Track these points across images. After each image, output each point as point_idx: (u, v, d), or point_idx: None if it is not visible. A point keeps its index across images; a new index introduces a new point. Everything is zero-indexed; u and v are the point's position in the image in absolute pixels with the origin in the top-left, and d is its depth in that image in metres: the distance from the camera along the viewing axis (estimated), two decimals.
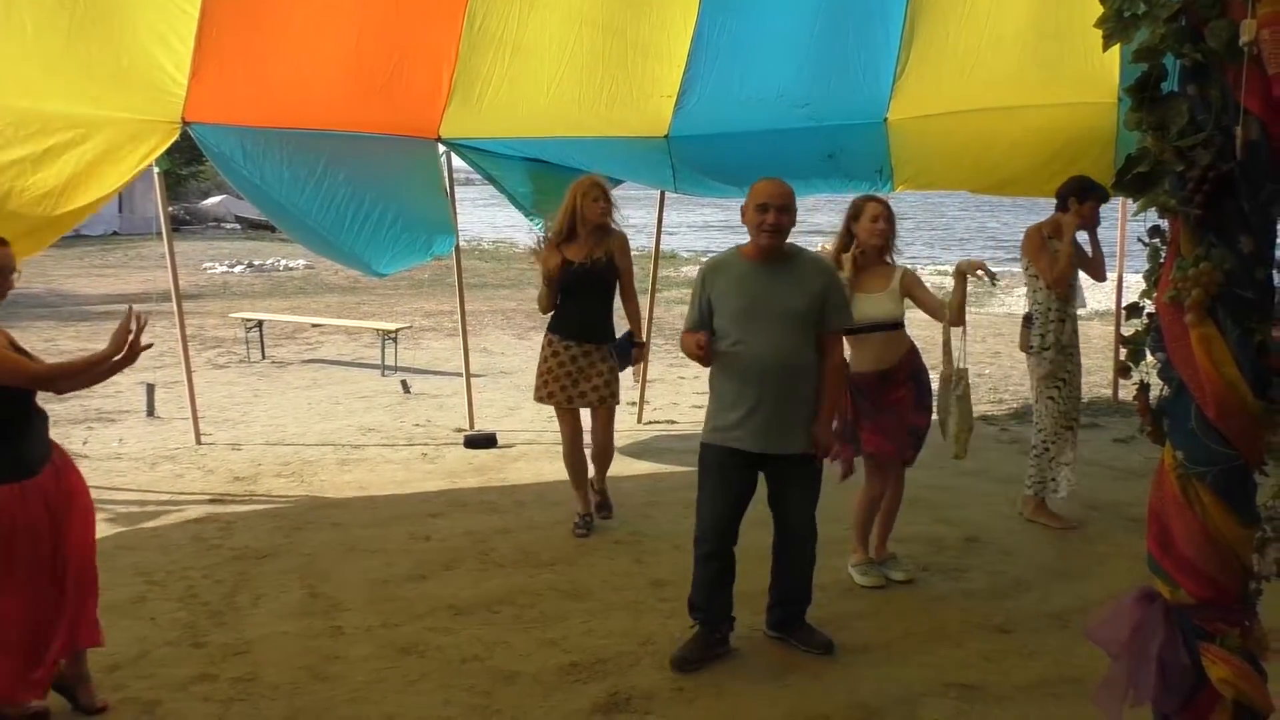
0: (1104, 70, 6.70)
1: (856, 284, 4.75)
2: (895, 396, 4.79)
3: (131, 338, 3.50)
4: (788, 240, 4.10)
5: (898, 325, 4.80)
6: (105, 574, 4.96)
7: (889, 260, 4.85)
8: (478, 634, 4.38)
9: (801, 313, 4.00)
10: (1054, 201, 5.73)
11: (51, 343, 11.94)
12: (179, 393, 8.45)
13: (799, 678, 4.01)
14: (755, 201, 4.00)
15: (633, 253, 5.72)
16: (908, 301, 4.84)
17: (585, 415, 5.66)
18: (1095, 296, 14.70)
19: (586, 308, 5.51)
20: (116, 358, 3.51)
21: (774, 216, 3.96)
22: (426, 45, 6.62)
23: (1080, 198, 5.56)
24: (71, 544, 3.63)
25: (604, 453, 5.73)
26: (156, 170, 6.73)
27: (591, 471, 5.77)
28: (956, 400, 4.79)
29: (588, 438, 5.70)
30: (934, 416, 4.90)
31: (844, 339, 4.47)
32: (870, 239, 4.77)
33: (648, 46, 6.98)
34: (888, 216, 4.80)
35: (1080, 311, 5.78)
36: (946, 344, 4.83)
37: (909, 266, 5.01)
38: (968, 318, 4.84)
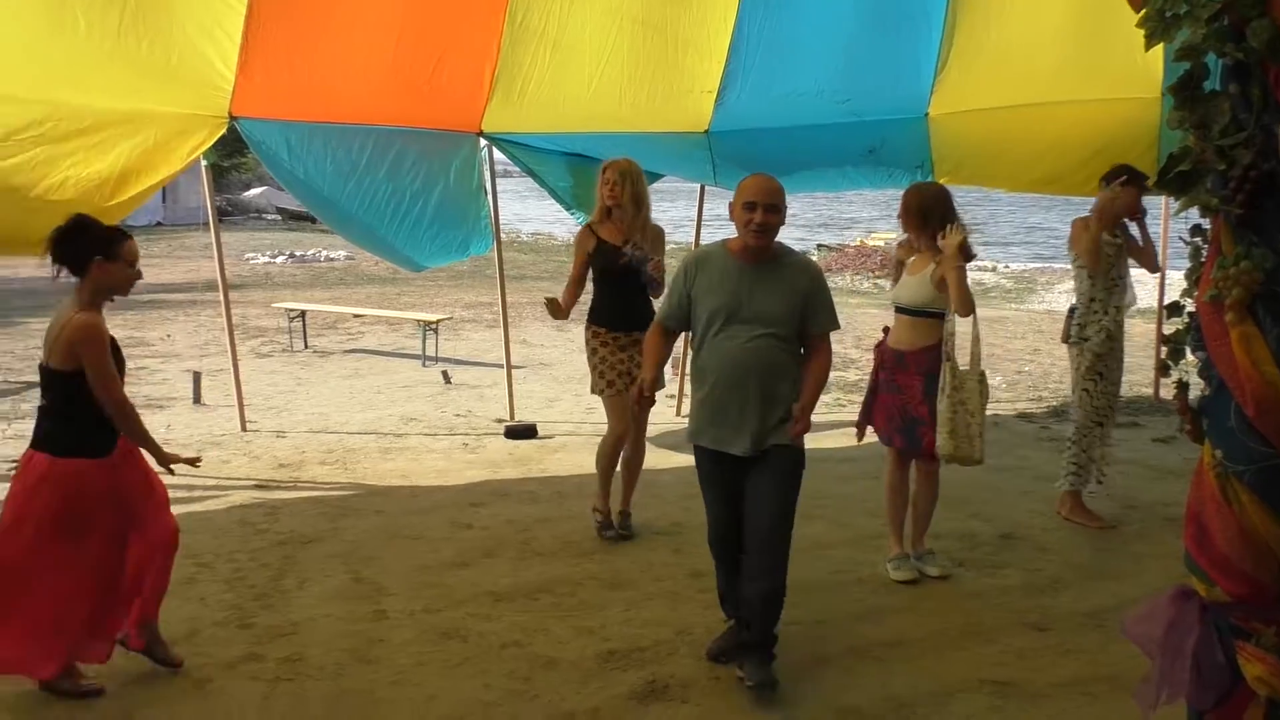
0: (1147, 66, 6.64)
1: (908, 266, 4.93)
2: (907, 382, 4.84)
3: (173, 466, 3.88)
4: (777, 240, 3.96)
5: (926, 313, 4.82)
6: None
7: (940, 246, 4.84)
8: (518, 620, 4.45)
9: (780, 317, 3.87)
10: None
11: None
12: (224, 380, 8.62)
13: (833, 670, 4.05)
14: (743, 199, 3.85)
15: (673, 245, 5.74)
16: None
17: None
18: (1138, 294, 14.56)
19: (626, 296, 5.43)
20: (156, 457, 3.85)
21: (761, 216, 3.81)
22: (468, 41, 6.71)
23: (1122, 184, 5.54)
24: (150, 527, 3.84)
25: (637, 449, 5.56)
26: (204, 163, 6.87)
27: (622, 486, 5.59)
28: (945, 400, 4.72)
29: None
30: (940, 414, 4.88)
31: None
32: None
33: (688, 42, 7.02)
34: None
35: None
36: (951, 336, 4.80)
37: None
38: (988, 311, 4.82)
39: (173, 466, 3.88)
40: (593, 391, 5.58)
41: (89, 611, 3.75)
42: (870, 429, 5.04)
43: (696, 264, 4.02)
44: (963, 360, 4.79)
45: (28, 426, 7.61)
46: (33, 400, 8.50)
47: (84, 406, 3.67)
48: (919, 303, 4.82)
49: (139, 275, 3.82)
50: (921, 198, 4.92)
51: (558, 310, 5.48)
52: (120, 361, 3.79)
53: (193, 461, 3.99)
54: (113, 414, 3.70)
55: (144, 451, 3.87)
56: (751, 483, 3.89)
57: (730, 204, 3.95)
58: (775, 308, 3.87)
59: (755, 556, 3.85)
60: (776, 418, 3.86)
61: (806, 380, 3.93)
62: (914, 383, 4.83)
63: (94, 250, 3.67)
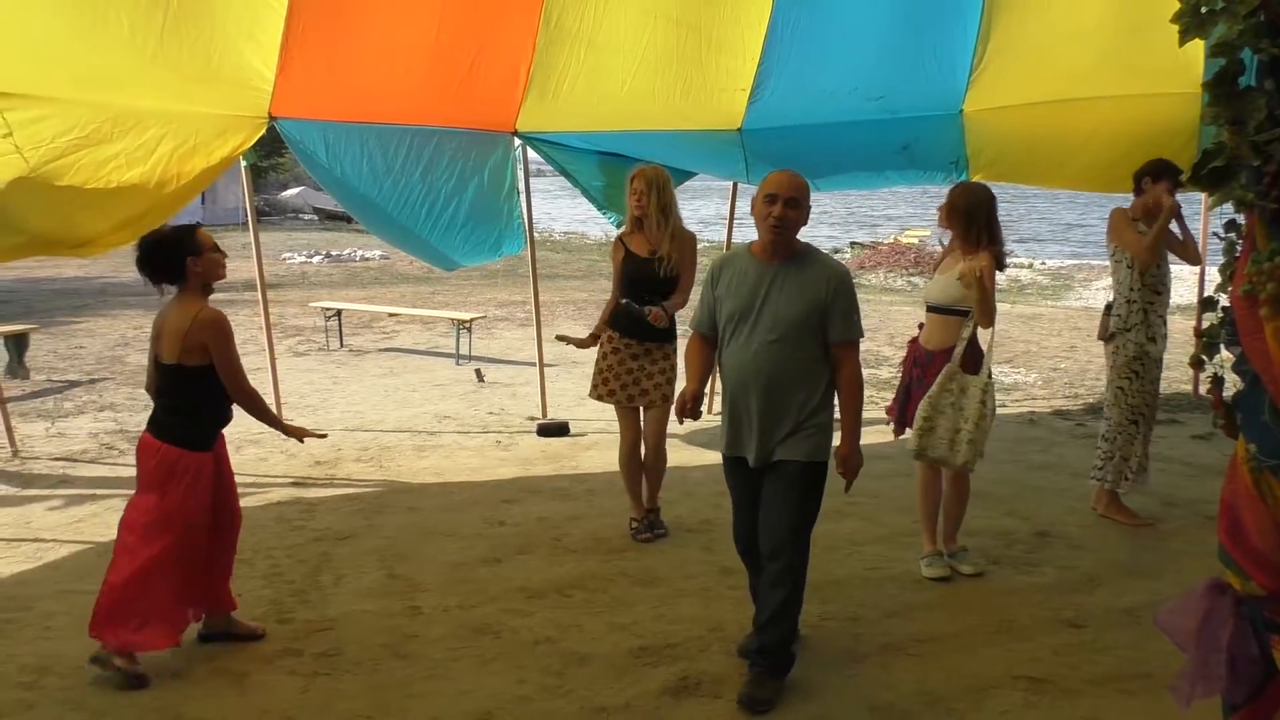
0: (1188, 61, 6.56)
1: (941, 265, 4.98)
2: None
3: (303, 438, 4.36)
4: (805, 241, 3.88)
5: (956, 311, 4.81)
6: None
7: (978, 246, 4.82)
8: (550, 616, 4.49)
9: (798, 319, 3.72)
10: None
11: (142, 330, 12.36)
12: (261, 379, 8.67)
13: (867, 666, 4.05)
14: (764, 192, 3.75)
15: (705, 244, 5.75)
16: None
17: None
18: (1177, 290, 14.40)
19: (646, 304, 5.33)
20: (286, 434, 4.34)
21: (780, 209, 3.70)
22: (504, 41, 6.76)
23: (1155, 178, 5.51)
24: (227, 520, 4.22)
25: (658, 457, 5.52)
26: (244, 164, 6.96)
27: (646, 488, 5.57)
28: (949, 406, 4.73)
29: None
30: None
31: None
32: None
33: (721, 41, 7.03)
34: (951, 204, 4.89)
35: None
36: (960, 341, 4.79)
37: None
38: (1024, 309, 4.83)
39: (302, 434, 4.33)
40: (591, 395, 5.55)
41: (188, 591, 4.08)
42: (907, 426, 5.03)
43: (722, 266, 3.94)
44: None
45: (71, 425, 7.81)
46: (75, 399, 8.68)
47: (206, 401, 3.99)
48: (947, 300, 4.82)
49: (224, 254, 4.08)
50: (970, 199, 4.87)
51: (579, 343, 5.61)
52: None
53: (320, 435, 4.47)
54: (241, 402, 4.03)
55: (273, 423, 4.32)
56: (765, 494, 3.82)
57: (753, 199, 3.86)
58: (790, 310, 3.73)
59: (768, 566, 3.80)
60: (785, 430, 3.75)
61: (843, 410, 3.81)
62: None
63: (182, 253, 3.94)
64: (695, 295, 4.62)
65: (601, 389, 5.46)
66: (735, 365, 3.82)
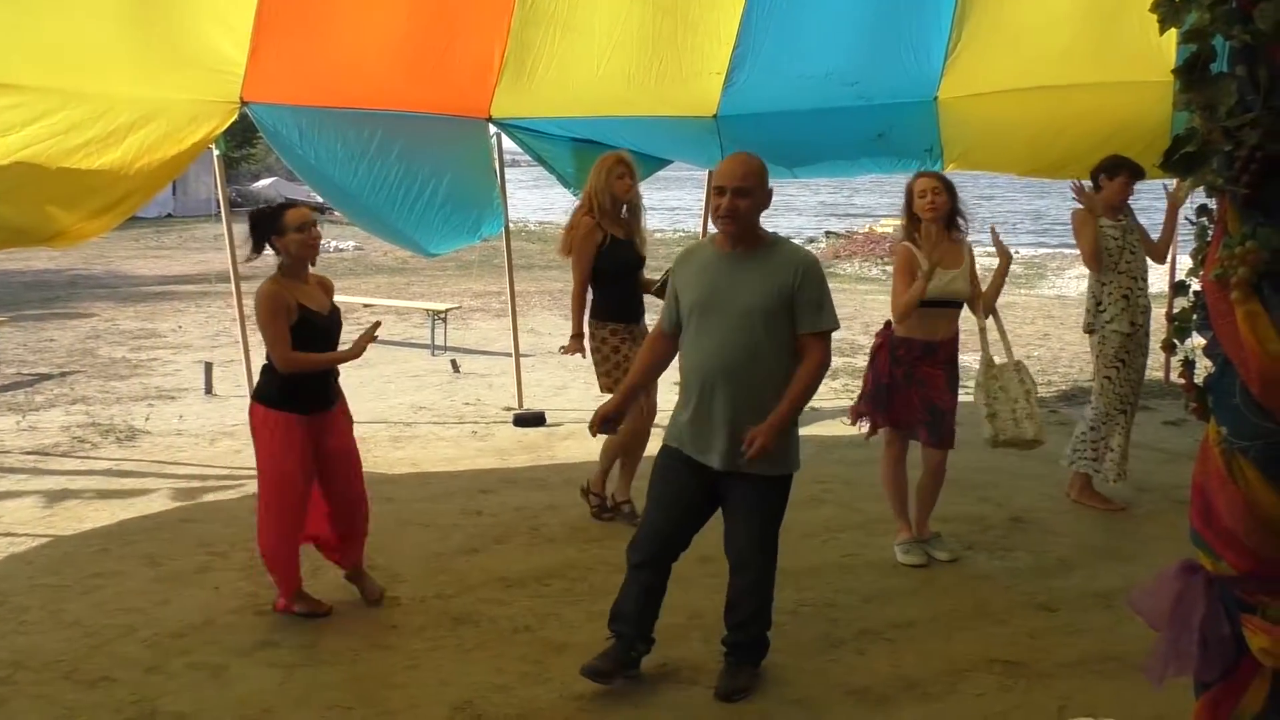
0: (1161, 48, 6.60)
1: (944, 261, 4.81)
2: (931, 373, 4.83)
3: (372, 338, 4.42)
4: (769, 230, 3.79)
5: (957, 303, 4.87)
6: (170, 545, 5.20)
7: (958, 235, 4.87)
8: (529, 606, 4.49)
9: (762, 310, 3.56)
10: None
11: (112, 323, 12.25)
12: (236, 371, 8.65)
13: (844, 651, 4.08)
14: (715, 183, 3.62)
15: (682, 234, 5.75)
16: None
17: None
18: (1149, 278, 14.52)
19: (630, 288, 5.43)
20: (349, 357, 4.36)
21: (729, 201, 3.54)
22: (478, 24, 6.71)
23: (1110, 174, 5.54)
24: (339, 490, 4.41)
25: (640, 443, 5.49)
26: (216, 153, 6.89)
27: (615, 471, 5.54)
28: (1000, 390, 4.88)
29: None
30: (977, 402, 4.96)
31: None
32: (923, 214, 4.82)
33: (697, 24, 7.00)
34: (937, 189, 4.83)
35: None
36: (982, 331, 4.88)
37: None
38: (1015, 300, 4.88)
39: (363, 342, 4.38)
40: (605, 390, 5.38)
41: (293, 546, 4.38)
42: (866, 422, 5.02)
43: (681, 260, 3.84)
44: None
45: (42, 418, 7.74)
46: (46, 392, 8.60)
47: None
48: (963, 296, 4.83)
49: (310, 236, 4.24)
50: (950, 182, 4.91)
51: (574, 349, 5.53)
52: (323, 327, 4.31)
53: (376, 325, 4.52)
54: (285, 371, 4.17)
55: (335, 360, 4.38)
56: (732, 503, 3.69)
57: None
58: (753, 301, 3.56)
59: (738, 578, 3.74)
60: (747, 430, 3.55)
61: (789, 391, 3.57)
62: (938, 373, 4.84)
63: (268, 232, 4.21)
64: None
65: (618, 381, 5.23)
66: (698, 359, 3.65)
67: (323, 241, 4.63)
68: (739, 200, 3.56)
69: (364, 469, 5.71)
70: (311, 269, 4.34)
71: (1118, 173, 5.53)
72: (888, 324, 4.99)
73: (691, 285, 3.70)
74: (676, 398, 3.82)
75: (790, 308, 3.58)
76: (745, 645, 3.80)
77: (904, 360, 4.85)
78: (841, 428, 6.93)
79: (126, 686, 3.78)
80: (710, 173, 8.13)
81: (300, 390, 4.23)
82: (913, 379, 4.83)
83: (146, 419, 7.78)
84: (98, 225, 5.75)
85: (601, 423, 3.84)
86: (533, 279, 16.05)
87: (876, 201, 37.15)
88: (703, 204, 8.60)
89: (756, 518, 3.69)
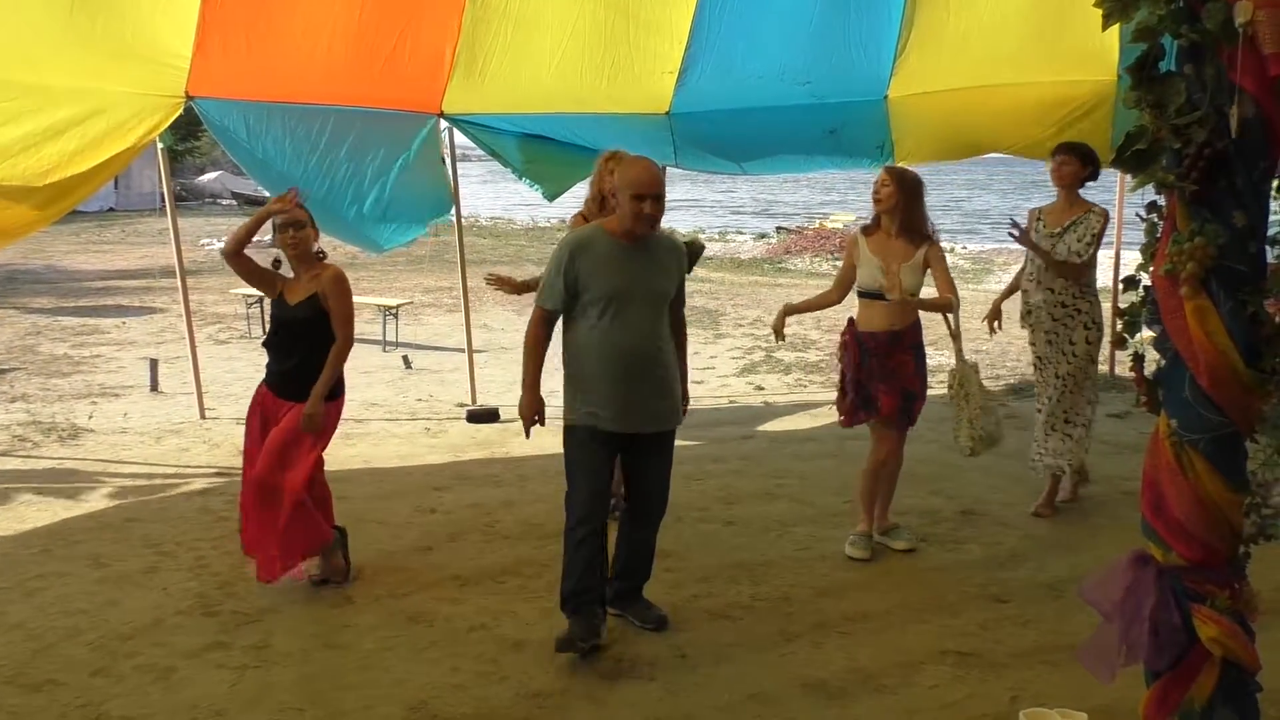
0: (1104, 49, 6.73)
1: (880, 253, 4.85)
2: (900, 359, 4.89)
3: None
4: None
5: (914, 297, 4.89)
6: (116, 545, 5.10)
7: (920, 230, 4.88)
8: (484, 603, 4.46)
9: (668, 294, 4.03)
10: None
11: (54, 318, 11.99)
12: (182, 368, 8.52)
13: (799, 645, 4.10)
14: (632, 191, 3.84)
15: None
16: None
17: None
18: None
19: None
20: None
21: (651, 207, 3.86)
22: (430, 19, 6.63)
23: (1054, 151, 5.59)
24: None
25: None
26: (160, 146, 6.76)
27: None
28: (965, 398, 4.96)
29: None
30: (936, 388, 5.02)
31: (860, 300, 4.77)
32: (877, 208, 4.90)
33: (650, 22, 6.99)
34: (885, 182, 4.89)
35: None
36: (955, 333, 4.93)
37: (940, 242, 5.00)
38: (963, 294, 4.91)
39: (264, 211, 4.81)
40: None
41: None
42: (841, 414, 5.07)
43: (580, 248, 3.95)
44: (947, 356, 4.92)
45: None
46: (3, 387, 8.40)
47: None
48: (911, 288, 4.85)
49: (281, 239, 4.71)
50: (914, 178, 4.93)
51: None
52: (277, 315, 4.82)
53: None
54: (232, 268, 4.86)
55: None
56: (642, 462, 4.11)
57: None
58: (664, 285, 4.01)
59: (649, 525, 4.20)
60: (670, 401, 4.07)
61: (681, 355, 4.20)
62: (907, 358, 4.90)
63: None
64: None
65: None
66: (622, 342, 3.92)
67: (269, 236, 4.71)
68: (659, 206, 3.91)
69: None
70: (324, 262, 4.84)
71: (1055, 154, 5.57)
72: (851, 321, 5.03)
73: (603, 274, 3.92)
74: (565, 384, 4.06)
75: (680, 287, 4.14)
76: (645, 580, 4.27)
77: (875, 353, 4.89)
78: (794, 424, 6.98)
79: (72, 690, 3.70)
80: (664, 168, 8.15)
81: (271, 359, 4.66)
82: (886, 369, 4.89)
83: (90, 417, 7.62)
84: (36, 219, 5.62)
85: (533, 424, 4.10)
86: (484, 274, 15.94)
87: (818, 199, 37.44)
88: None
89: (668, 464, 4.17)
